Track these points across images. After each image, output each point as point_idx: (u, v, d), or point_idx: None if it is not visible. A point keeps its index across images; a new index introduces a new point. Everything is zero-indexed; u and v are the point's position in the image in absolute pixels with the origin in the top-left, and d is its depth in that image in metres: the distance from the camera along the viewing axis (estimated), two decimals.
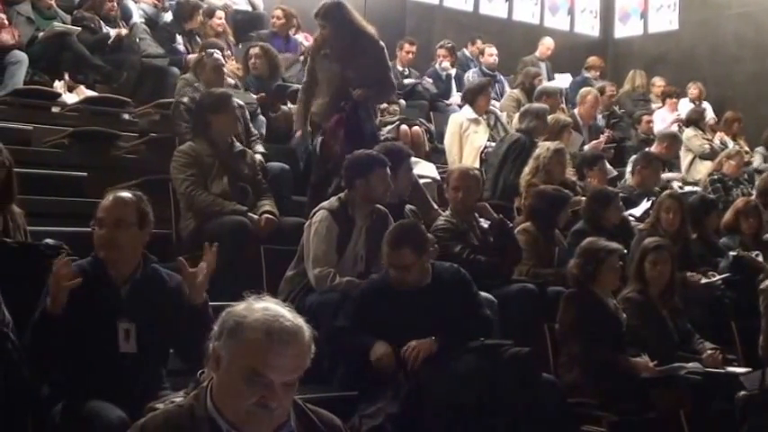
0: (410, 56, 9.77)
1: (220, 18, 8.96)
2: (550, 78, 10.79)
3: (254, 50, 7.73)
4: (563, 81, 10.73)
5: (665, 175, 8.01)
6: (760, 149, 9.91)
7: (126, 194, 3.54)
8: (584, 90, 9.34)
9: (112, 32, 8.04)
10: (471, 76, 10.12)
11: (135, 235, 3.45)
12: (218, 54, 6.80)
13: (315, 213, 4.82)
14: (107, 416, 3.06)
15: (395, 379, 4.06)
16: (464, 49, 10.98)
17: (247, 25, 9.64)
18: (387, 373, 4.07)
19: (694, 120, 10.12)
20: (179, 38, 8.60)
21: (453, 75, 10.04)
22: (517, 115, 8.20)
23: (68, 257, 3.39)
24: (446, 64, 9.96)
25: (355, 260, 4.82)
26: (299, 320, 2.16)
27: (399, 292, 4.26)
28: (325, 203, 4.86)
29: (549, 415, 4.21)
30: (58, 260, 3.30)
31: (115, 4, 8.26)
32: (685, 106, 11.18)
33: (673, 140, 8.80)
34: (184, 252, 5.16)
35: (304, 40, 9.53)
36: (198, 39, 8.65)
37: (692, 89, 11.49)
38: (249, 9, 9.91)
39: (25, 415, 3.26)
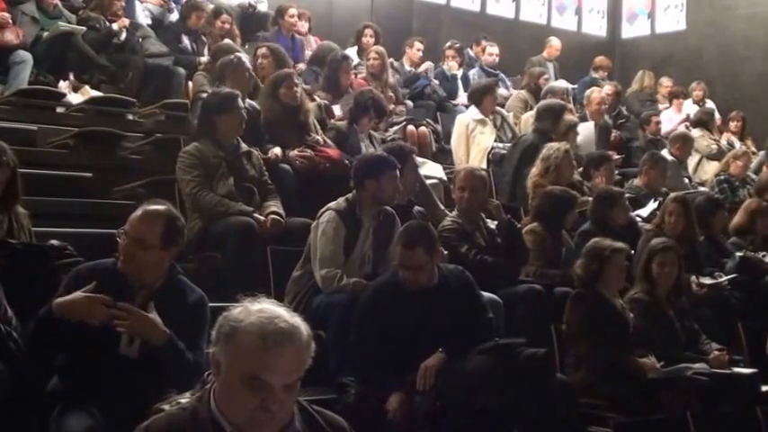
0: (419, 53, 9.74)
1: (224, 21, 8.89)
2: (558, 79, 10.76)
3: (261, 51, 7.70)
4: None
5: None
6: (761, 155, 9.83)
7: (156, 210, 3.42)
8: (588, 91, 9.33)
9: (115, 26, 8.04)
10: (473, 75, 10.09)
11: (155, 255, 3.37)
12: (246, 59, 6.74)
13: (322, 214, 4.81)
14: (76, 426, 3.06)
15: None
16: (468, 50, 10.96)
17: (254, 25, 9.62)
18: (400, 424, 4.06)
19: (704, 121, 10.09)
20: (184, 38, 8.58)
21: (459, 75, 10.02)
22: (530, 114, 8.20)
23: (70, 258, 3.37)
24: (453, 63, 9.94)
25: (362, 261, 4.81)
26: (296, 320, 2.14)
27: (408, 293, 4.25)
28: (332, 204, 4.85)
29: (561, 415, 4.20)
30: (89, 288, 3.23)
31: (123, 3, 8.25)
32: (690, 107, 11.15)
33: (684, 141, 8.79)
34: (191, 253, 5.20)
35: (314, 41, 9.52)
36: (204, 39, 8.62)
37: (696, 90, 11.46)
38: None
39: (29, 414, 3.26)
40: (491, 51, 10.41)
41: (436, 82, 9.73)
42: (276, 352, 2.06)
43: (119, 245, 3.40)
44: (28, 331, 3.29)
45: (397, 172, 4.95)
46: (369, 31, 9.51)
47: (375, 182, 4.83)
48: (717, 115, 10.95)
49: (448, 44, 10.22)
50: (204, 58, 8.12)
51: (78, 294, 3.21)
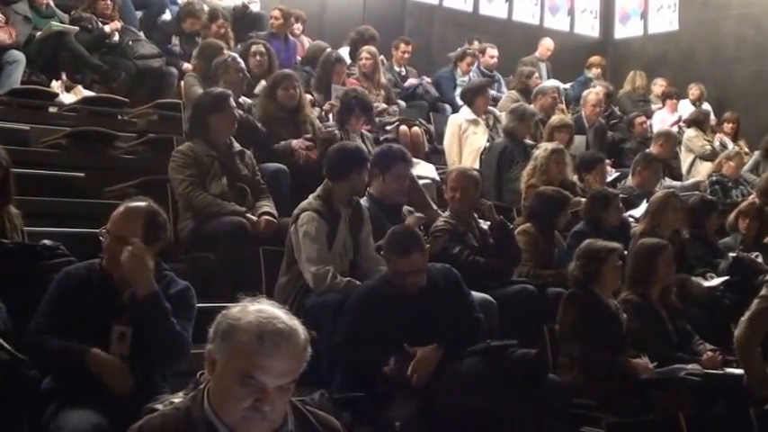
0: (406, 55, 9.75)
1: (219, 26, 8.84)
2: (550, 79, 10.78)
3: (257, 48, 7.67)
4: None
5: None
6: (756, 155, 9.85)
7: (137, 206, 3.45)
8: (585, 92, 9.35)
9: (107, 28, 8.01)
10: (470, 75, 10.10)
11: None
12: (240, 59, 6.71)
13: (297, 217, 4.83)
14: (82, 422, 3.05)
15: (401, 388, 4.04)
16: (459, 50, 10.95)
17: (246, 26, 9.59)
18: (400, 380, 4.04)
19: (700, 121, 10.09)
20: (174, 39, 8.53)
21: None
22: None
23: (62, 257, 3.37)
24: (473, 74, 9.94)
25: (344, 250, 4.85)
26: (294, 322, 2.14)
27: (397, 296, 4.24)
28: (304, 205, 4.88)
29: (554, 416, 4.20)
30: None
31: (109, 2, 8.21)
32: (685, 107, 11.17)
33: (666, 138, 8.77)
34: (183, 253, 5.19)
35: (306, 42, 9.51)
36: (198, 40, 8.56)
37: (693, 90, 11.47)
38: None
39: (22, 414, 3.24)
40: (492, 54, 10.38)
41: (428, 80, 9.74)
42: (272, 352, 2.06)
43: (102, 244, 3.41)
44: (47, 349, 3.27)
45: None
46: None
47: (357, 174, 4.96)
48: (711, 115, 10.99)
49: (468, 50, 10.27)
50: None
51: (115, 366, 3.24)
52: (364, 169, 5.01)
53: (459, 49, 10.54)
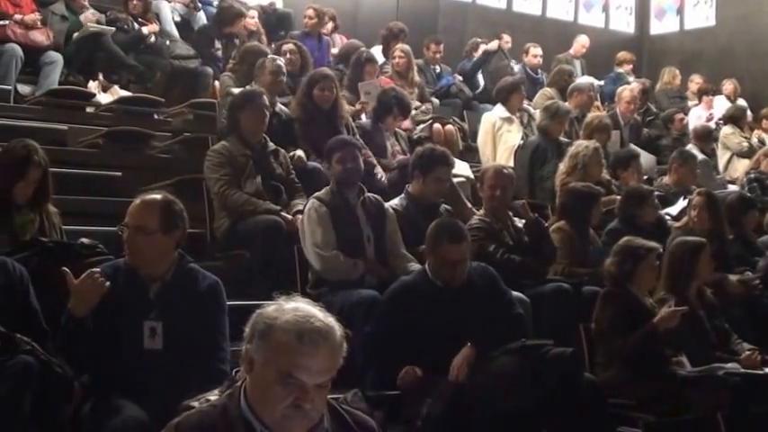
0: (437, 55, 9.73)
1: (253, 17, 8.94)
2: (584, 75, 10.69)
3: (288, 47, 7.70)
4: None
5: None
6: None
7: (153, 197, 3.49)
8: (619, 89, 9.27)
9: (145, 30, 8.09)
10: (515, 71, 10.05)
11: (158, 241, 3.40)
12: (279, 60, 6.71)
13: (305, 205, 4.94)
14: (125, 415, 3.08)
15: (434, 386, 4.04)
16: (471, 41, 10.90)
17: (273, 25, 9.62)
18: (411, 393, 4.04)
19: (737, 117, 9.95)
20: (217, 42, 8.55)
21: None
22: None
23: (101, 256, 3.40)
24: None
25: (360, 239, 4.85)
26: (330, 320, 2.15)
27: (435, 293, 4.23)
28: (316, 193, 4.97)
29: (590, 415, 4.16)
30: (89, 271, 3.30)
31: (136, 2, 8.27)
32: (720, 103, 11.03)
33: (703, 136, 8.70)
34: (219, 251, 5.23)
35: (340, 40, 9.52)
36: (236, 41, 8.60)
37: (727, 85, 11.33)
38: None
39: (61, 408, 3.28)
40: (535, 53, 10.31)
41: (459, 78, 9.71)
42: (311, 351, 2.07)
43: (122, 239, 3.45)
44: (59, 342, 3.34)
45: (355, 151, 5.07)
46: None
47: (328, 163, 5.07)
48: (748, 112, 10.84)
49: (476, 40, 10.23)
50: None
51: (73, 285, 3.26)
52: (334, 157, 5.00)
53: (470, 41, 10.50)
